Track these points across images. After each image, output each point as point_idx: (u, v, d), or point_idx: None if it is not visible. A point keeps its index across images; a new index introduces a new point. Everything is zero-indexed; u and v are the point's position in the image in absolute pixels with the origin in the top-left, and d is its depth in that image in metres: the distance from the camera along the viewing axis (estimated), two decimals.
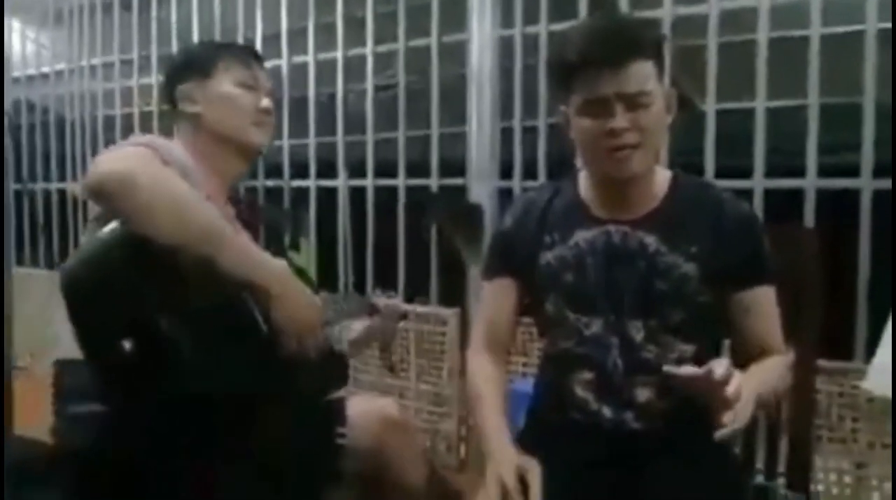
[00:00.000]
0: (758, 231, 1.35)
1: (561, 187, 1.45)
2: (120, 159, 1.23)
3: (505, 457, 1.27)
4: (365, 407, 1.59)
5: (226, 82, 1.52)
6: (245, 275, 1.24)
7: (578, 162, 1.50)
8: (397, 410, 1.63)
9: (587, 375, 1.36)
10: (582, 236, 1.37)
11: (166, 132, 1.55)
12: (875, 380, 1.40)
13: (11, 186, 4.01)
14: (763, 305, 1.34)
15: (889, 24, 1.96)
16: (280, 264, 1.30)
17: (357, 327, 1.67)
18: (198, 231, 1.21)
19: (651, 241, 1.33)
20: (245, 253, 1.25)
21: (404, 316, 1.79)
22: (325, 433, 1.47)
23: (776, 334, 1.35)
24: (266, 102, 1.55)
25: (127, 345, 1.18)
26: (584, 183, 1.41)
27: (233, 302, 1.24)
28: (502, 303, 1.45)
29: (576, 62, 1.26)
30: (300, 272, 1.42)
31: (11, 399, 1.91)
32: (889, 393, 1.42)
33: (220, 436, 1.25)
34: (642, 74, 1.25)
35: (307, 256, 3.11)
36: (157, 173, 1.22)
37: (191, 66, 1.55)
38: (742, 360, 1.32)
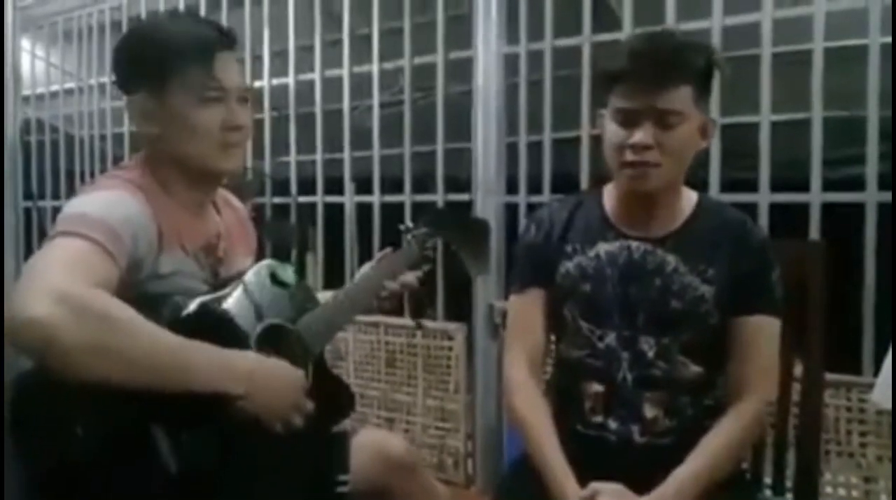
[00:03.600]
0: (770, 259, 1.36)
1: (585, 200, 1.47)
2: (38, 296, 0.99)
3: (570, 495, 1.27)
4: (370, 447, 1.45)
5: (182, 97, 1.27)
6: (200, 388, 1.10)
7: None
8: (405, 448, 1.49)
9: (597, 386, 1.37)
10: (604, 249, 1.38)
11: None
12: (882, 393, 1.39)
13: (21, 202, 4.05)
14: (757, 336, 1.35)
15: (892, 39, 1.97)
16: (240, 359, 1.17)
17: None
18: (134, 367, 1.04)
19: (671, 260, 1.34)
20: (194, 367, 1.10)
21: (429, 257, 1.67)
22: (325, 485, 1.37)
23: (759, 374, 1.35)
24: (236, 116, 1.30)
25: None
26: (608, 197, 1.44)
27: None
28: (535, 313, 1.44)
29: (618, 73, 1.30)
30: (285, 285, 1.36)
31: None
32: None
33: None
34: (679, 96, 1.27)
35: (314, 272, 3.12)
36: (78, 314, 1.00)
37: (140, 73, 1.29)
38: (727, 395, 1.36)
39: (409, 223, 1.68)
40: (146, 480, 1.12)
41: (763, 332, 1.35)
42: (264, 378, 1.18)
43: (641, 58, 1.28)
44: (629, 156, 1.29)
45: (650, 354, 1.34)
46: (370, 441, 1.46)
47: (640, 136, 1.27)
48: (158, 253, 1.24)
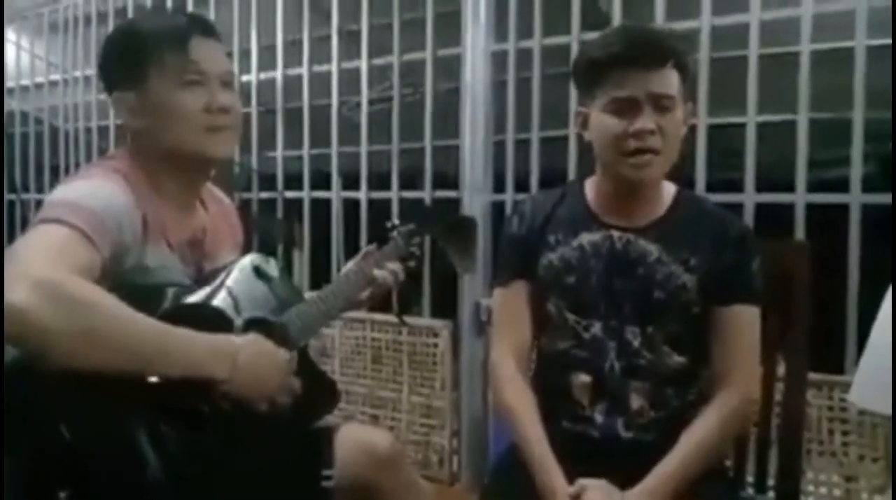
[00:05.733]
0: (751, 249, 1.37)
1: (566, 192, 1.47)
2: (19, 282, 0.99)
3: (558, 489, 1.27)
4: (354, 441, 1.43)
5: (163, 85, 1.27)
6: (185, 372, 1.10)
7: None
8: (389, 442, 1.47)
9: (584, 377, 1.37)
10: (587, 239, 1.39)
11: None
12: (859, 392, 1.39)
13: (4, 195, 4.01)
14: (738, 325, 1.35)
15: (879, 41, 1.99)
16: (224, 343, 1.17)
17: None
18: (115, 351, 1.05)
19: (653, 249, 1.35)
20: (176, 350, 1.10)
21: (414, 254, 1.66)
22: (309, 478, 1.36)
23: (740, 364, 1.35)
24: (219, 99, 1.29)
25: (63, 495, 1.07)
26: (590, 189, 1.44)
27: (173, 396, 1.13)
28: (521, 306, 1.44)
29: (609, 61, 1.30)
30: (269, 278, 1.36)
31: None
32: (873, 406, 1.42)
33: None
34: (670, 80, 1.29)
35: (300, 267, 3.11)
36: (57, 301, 1.00)
37: (120, 70, 1.31)
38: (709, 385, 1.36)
39: (395, 220, 1.68)
40: (130, 475, 1.12)
41: (743, 321, 1.36)
42: (248, 360, 1.18)
43: (632, 44, 1.29)
44: (632, 144, 1.29)
45: (635, 343, 1.35)
46: (355, 436, 1.45)
47: (643, 121, 1.27)
48: (144, 244, 1.24)
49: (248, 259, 1.37)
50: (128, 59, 1.30)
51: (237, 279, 1.32)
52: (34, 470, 1.11)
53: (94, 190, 1.19)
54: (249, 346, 1.20)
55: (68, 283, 1.03)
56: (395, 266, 1.57)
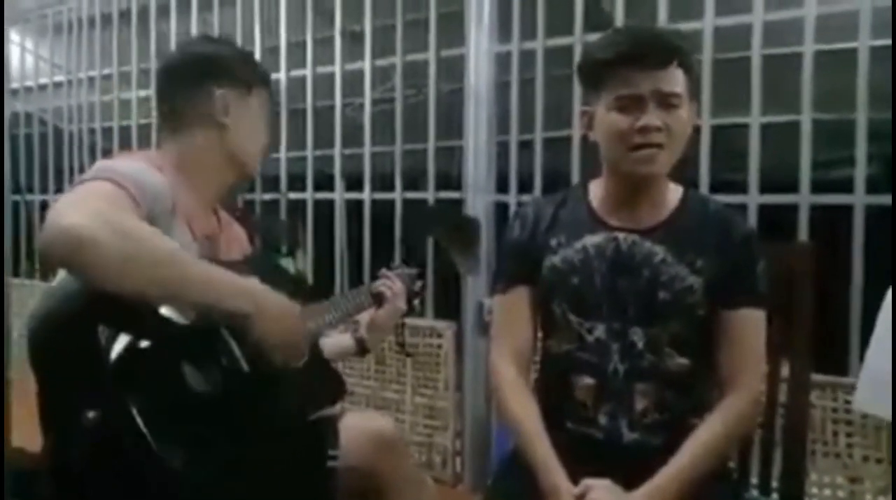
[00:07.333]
0: (757, 253, 1.37)
1: (569, 195, 1.47)
2: (71, 210, 1.09)
3: (563, 489, 1.27)
4: (357, 426, 1.48)
5: (255, 104, 1.45)
6: (213, 303, 1.18)
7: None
8: (392, 428, 1.52)
9: (587, 380, 1.37)
10: (590, 241, 1.38)
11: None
12: (863, 398, 1.39)
13: (9, 197, 4.02)
14: (744, 330, 1.35)
15: (882, 41, 1.99)
16: (249, 282, 1.25)
17: (365, 319, 1.68)
18: (155, 275, 1.12)
19: (659, 250, 1.35)
20: (209, 281, 1.18)
21: (418, 293, 1.77)
22: (315, 457, 1.40)
23: (746, 368, 1.35)
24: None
25: (91, 414, 1.12)
26: (594, 191, 1.44)
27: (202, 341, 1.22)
28: (521, 311, 1.44)
29: (614, 59, 1.30)
30: (290, 278, 1.42)
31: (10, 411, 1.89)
32: (877, 410, 1.41)
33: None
34: (677, 78, 1.30)
35: (303, 268, 3.11)
36: (107, 224, 1.08)
37: (233, 72, 1.44)
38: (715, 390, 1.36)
39: (397, 262, 1.73)
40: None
41: (749, 326, 1.35)
42: (268, 303, 1.25)
43: (638, 43, 1.30)
44: (637, 139, 1.29)
45: (640, 345, 1.35)
46: (358, 421, 1.50)
47: (650, 118, 1.28)
48: (170, 225, 1.30)
49: (269, 254, 1.42)
50: (241, 69, 1.44)
51: (255, 269, 1.36)
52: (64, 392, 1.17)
53: (133, 164, 1.28)
54: (267, 290, 1.27)
55: (118, 214, 1.11)
56: (399, 286, 1.62)
